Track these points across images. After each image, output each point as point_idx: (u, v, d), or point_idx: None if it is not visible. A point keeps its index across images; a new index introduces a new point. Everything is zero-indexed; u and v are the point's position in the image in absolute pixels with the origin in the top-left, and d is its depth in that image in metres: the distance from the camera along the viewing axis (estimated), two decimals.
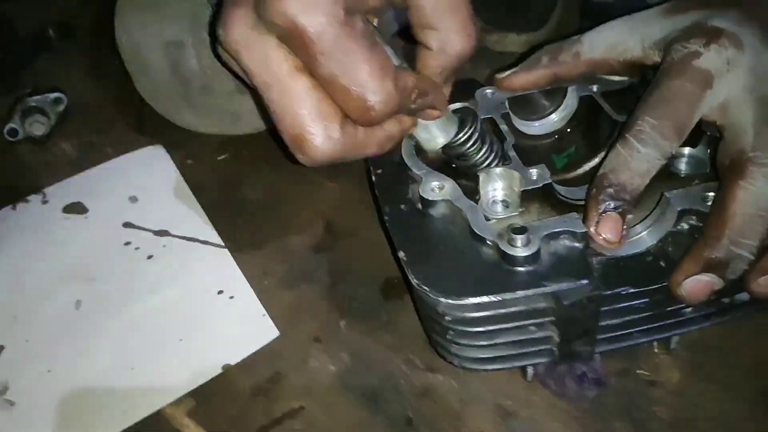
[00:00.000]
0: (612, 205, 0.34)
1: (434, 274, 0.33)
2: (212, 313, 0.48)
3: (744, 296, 0.35)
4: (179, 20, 0.52)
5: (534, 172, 0.37)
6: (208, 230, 0.53)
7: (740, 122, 0.34)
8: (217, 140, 0.61)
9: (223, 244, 0.52)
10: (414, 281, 0.33)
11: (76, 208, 0.57)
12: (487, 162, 0.40)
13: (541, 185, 0.37)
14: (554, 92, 0.45)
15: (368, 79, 0.29)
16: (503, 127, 0.42)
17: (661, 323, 0.36)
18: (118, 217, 0.55)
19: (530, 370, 0.39)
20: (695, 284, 0.32)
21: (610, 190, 0.34)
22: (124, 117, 0.66)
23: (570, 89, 0.44)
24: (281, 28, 0.29)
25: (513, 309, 0.33)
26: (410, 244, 0.35)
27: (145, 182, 0.58)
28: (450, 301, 0.32)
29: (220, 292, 0.49)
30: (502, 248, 0.33)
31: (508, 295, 0.32)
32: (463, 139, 0.39)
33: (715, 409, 0.39)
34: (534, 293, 0.32)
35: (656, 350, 0.42)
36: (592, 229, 0.34)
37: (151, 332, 0.47)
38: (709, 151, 0.39)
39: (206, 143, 0.61)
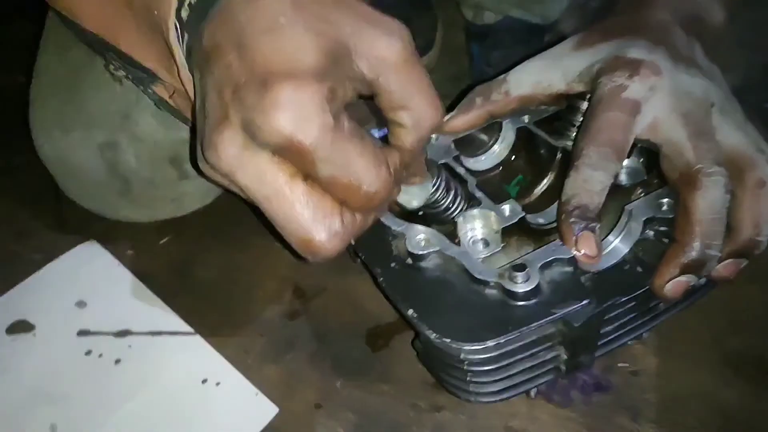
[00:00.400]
0: (582, 225, 0.37)
1: (448, 324, 0.35)
2: (201, 404, 0.46)
3: (702, 281, 0.40)
4: (108, 119, 0.51)
5: (507, 208, 0.40)
6: (173, 319, 0.52)
7: (675, 138, 0.39)
8: (154, 225, 0.59)
9: (192, 330, 0.51)
10: (433, 336, 0.35)
11: (20, 327, 0.53)
12: (457, 207, 0.42)
13: (516, 220, 0.40)
14: (490, 127, 0.49)
15: (366, 171, 0.31)
16: (459, 169, 0.44)
17: (643, 320, 0.40)
18: (69, 326, 0.52)
19: (534, 389, 0.42)
20: (677, 285, 0.37)
21: (577, 212, 0.37)
22: (42, 217, 0.62)
23: (505, 123, 0.48)
24: (277, 145, 0.29)
25: (526, 340, 0.35)
26: (414, 300, 0.37)
27: (89, 283, 0.56)
28: (472, 346, 0.34)
29: (204, 380, 0.48)
30: (507, 287, 0.35)
31: (524, 329, 0.34)
32: (435, 192, 0.41)
33: (692, 381, 0.44)
34: (546, 322, 0.35)
35: (630, 343, 0.46)
36: (573, 250, 0.37)
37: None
38: (641, 159, 0.44)
39: (143, 230, 0.59)
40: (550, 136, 0.46)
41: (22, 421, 0.47)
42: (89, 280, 0.56)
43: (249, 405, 0.46)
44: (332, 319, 0.51)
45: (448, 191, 0.42)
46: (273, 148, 0.30)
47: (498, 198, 0.42)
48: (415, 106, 0.33)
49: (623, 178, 0.44)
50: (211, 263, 0.56)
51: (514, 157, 0.49)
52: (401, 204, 0.40)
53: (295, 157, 0.30)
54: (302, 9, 0.30)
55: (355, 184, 0.31)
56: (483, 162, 0.50)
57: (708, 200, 0.37)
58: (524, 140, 0.48)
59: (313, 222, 0.31)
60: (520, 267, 0.36)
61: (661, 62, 0.40)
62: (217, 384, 0.48)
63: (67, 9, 0.44)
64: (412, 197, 0.39)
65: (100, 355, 0.50)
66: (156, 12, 0.36)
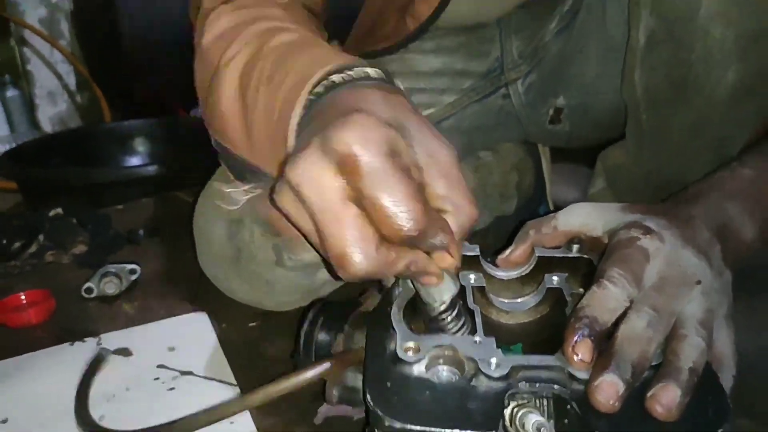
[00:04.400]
0: (586, 332, 0.41)
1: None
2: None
3: None
4: (243, 203, 0.67)
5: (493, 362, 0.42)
6: (227, 373, 0.61)
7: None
8: (251, 311, 0.72)
9: (236, 383, 0.60)
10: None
11: (123, 352, 0.66)
12: (459, 330, 0.46)
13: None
14: (533, 278, 0.54)
15: (402, 200, 0.36)
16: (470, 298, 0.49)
17: None
18: (155, 360, 0.64)
19: None
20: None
21: (586, 320, 0.41)
22: (182, 292, 0.78)
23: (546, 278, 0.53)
24: (340, 156, 0.36)
25: None
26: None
27: (184, 337, 0.68)
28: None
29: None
30: None
31: None
32: (439, 308, 0.45)
33: None
34: None
35: None
36: (569, 350, 0.41)
37: None
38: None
39: (242, 313, 0.72)
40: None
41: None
42: (186, 335, 0.69)
43: None
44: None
45: (454, 313, 0.45)
46: (337, 160, 0.36)
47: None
48: (456, 196, 0.40)
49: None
50: (278, 346, 0.66)
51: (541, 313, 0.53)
52: (426, 301, 0.45)
53: (351, 170, 0.36)
54: (389, 99, 0.42)
55: (391, 209, 0.36)
56: (513, 304, 0.54)
57: (627, 325, 0.41)
58: (551, 300, 0.53)
59: (353, 241, 0.37)
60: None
61: (666, 235, 0.46)
62: (231, 423, 0.54)
63: (218, 134, 0.60)
64: (444, 291, 0.44)
65: (163, 383, 0.61)
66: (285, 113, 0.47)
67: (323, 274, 0.69)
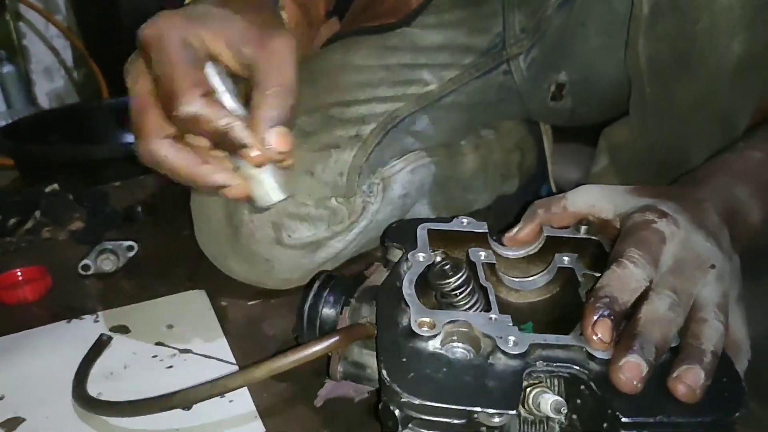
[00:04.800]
0: (606, 312, 0.40)
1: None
2: (211, 411, 0.53)
3: None
4: None
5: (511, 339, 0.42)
6: (226, 352, 0.61)
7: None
8: (252, 290, 0.71)
9: (235, 362, 0.59)
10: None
11: (120, 329, 0.65)
12: (471, 307, 0.46)
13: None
14: (542, 257, 0.53)
15: (180, 86, 0.43)
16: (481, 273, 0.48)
17: None
18: (153, 338, 0.63)
19: None
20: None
21: (606, 300, 0.40)
22: (181, 270, 0.77)
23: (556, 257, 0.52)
24: (139, 44, 0.45)
25: None
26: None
27: (183, 315, 0.67)
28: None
29: (222, 396, 0.54)
30: None
31: None
32: (454, 284, 0.45)
33: None
34: None
35: None
36: (589, 329, 0.40)
37: (154, 422, 0.51)
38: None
39: (242, 291, 0.71)
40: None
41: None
42: (185, 313, 0.68)
43: (245, 422, 0.51)
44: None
45: (468, 289, 0.46)
46: (139, 48, 0.46)
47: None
48: (266, 75, 0.45)
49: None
50: (277, 326, 0.65)
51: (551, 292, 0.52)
52: (254, 198, 0.47)
53: (145, 55, 0.45)
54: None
55: (169, 90, 0.44)
56: (522, 283, 0.53)
57: (649, 307, 0.41)
58: (561, 279, 0.52)
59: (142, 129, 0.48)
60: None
61: (681, 221, 0.46)
62: (230, 401, 0.54)
63: None
64: (265, 190, 0.46)
65: (161, 360, 0.60)
66: None
67: (324, 252, 0.69)
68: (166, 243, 0.84)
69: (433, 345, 0.41)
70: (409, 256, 0.49)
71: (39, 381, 0.57)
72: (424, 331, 0.41)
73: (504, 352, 0.40)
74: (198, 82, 0.44)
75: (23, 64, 1.70)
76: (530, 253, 0.53)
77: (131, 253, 0.77)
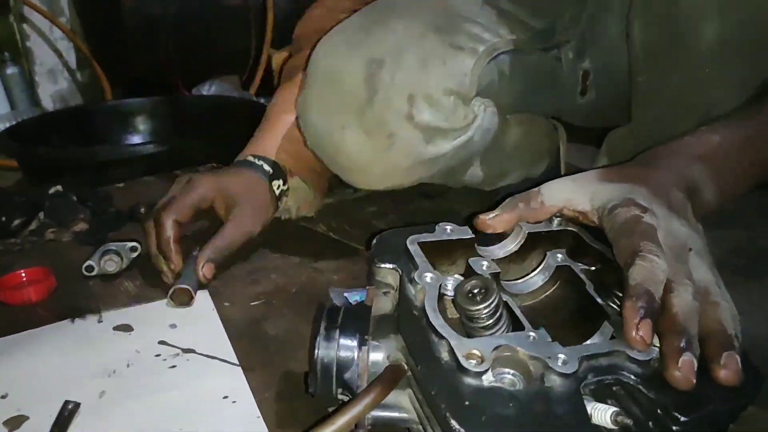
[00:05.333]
0: (645, 311, 0.40)
1: None
2: (213, 411, 0.53)
3: None
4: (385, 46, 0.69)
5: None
6: (229, 352, 0.61)
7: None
8: (254, 291, 0.71)
9: (237, 362, 0.59)
10: None
11: (124, 328, 0.66)
12: (500, 328, 0.43)
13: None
14: (533, 251, 0.53)
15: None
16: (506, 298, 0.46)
17: None
18: (156, 337, 0.64)
19: None
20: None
21: (645, 298, 0.41)
22: None
23: (549, 254, 0.53)
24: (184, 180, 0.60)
25: None
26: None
27: (186, 315, 0.68)
28: None
29: (225, 397, 0.54)
30: None
31: None
32: (485, 310, 0.42)
33: None
34: None
35: None
36: (632, 332, 0.40)
37: (156, 421, 0.52)
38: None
39: (244, 292, 0.71)
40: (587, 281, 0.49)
41: (82, 383, 0.57)
42: (187, 314, 0.68)
43: (247, 423, 0.51)
44: None
45: (499, 312, 0.43)
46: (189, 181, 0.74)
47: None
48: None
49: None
50: (279, 325, 0.65)
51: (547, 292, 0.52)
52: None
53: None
54: None
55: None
56: (520, 286, 0.54)
57: (680, 298, 0.41)
58: (561, 278, 0.52)
59: None
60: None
61: (657, 209, 0.47)
62: (233, 402, 0.54)
63: None
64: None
65: (164, 360, 0.60)
66: None
67: (433, 148, 0.71)
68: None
69: (488, 379, 0.39)
70: (416, 278, 0.47)
71: (42, 380, 0.58)
72: (474, 366, 0.39)
73: (558, 373, 0.39)
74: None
75: (27, 66, 1.71)
76: (512, 251, 0.53)
77: (135, 254, 0.77)
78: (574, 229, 0.53)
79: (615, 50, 0.78)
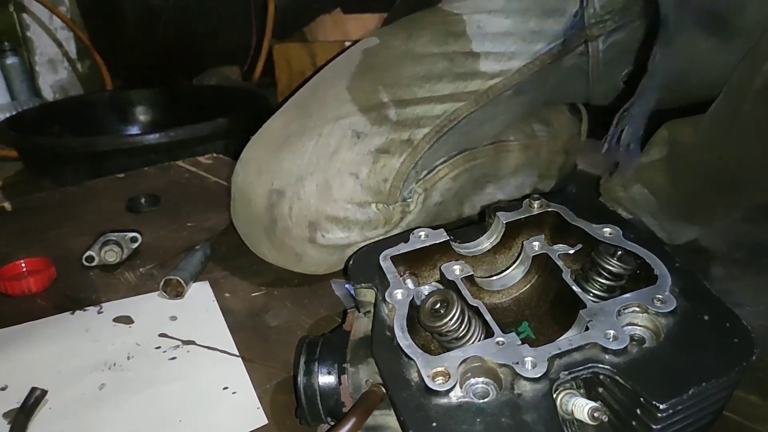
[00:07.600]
0: None
1: None
2: (213, 402, 0.53)
3: None
4: (288, 176, 0.65)
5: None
6: (229, 343, 0.61)
7: None
8: (255, 281, 0.71)
9: (238, 353, 0.59)
10: None
11: (124, 320, 0.65)
12: (471, 337, 0.43)
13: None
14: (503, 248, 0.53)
15: None
16: (465, 292, 0.46)
17: None
18: (157, 329, 0.64)
19: None
20: None
21: None
22: None
23: (526, 243, 0.52)
24: None
25: None
26: None
27: (186, 306, 0.68)
28: None
29: (225, 388, 0.54)
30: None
31: None
32: (449, 323, 0.42)
33: None
34: None
35: None
36: None
37: (157, 413, 0.52)
38: None
39: (245, 283, 0.71)
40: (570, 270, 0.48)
41: (83, 375, 0.57)
42: (188, 305, 0.68)
43: (247, 413, 0.51)
44: None
45: (464, 321, 0.42)
46: None
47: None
48: None
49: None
50: (280, 316, 0.65)
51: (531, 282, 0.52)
52: None
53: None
54: None
55: None
56: (502, 281, 0.53)
57: None
58: (541, 266, 0.51)
59: None
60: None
61: None
62: (233, 393, 0.54)
63: None
64: None
65: (164, 352, 0.60)
66: None
67: (351, 251, 0.68)
68: (170, 234, 0.84)
69: (456, 395, 0.38)
70: (387, 298, 0.46)
71: (42, 372, 0.58)
72: (440, 385, 0.38)
73: (527, 378, 0.38)
74: None
75: (27, 56, 1.70)
76: (494, 243, 0.52)
77: (135, 245, 0.77)
78: (555, 209, 0.52)
79: (692, 61, 0.68)
